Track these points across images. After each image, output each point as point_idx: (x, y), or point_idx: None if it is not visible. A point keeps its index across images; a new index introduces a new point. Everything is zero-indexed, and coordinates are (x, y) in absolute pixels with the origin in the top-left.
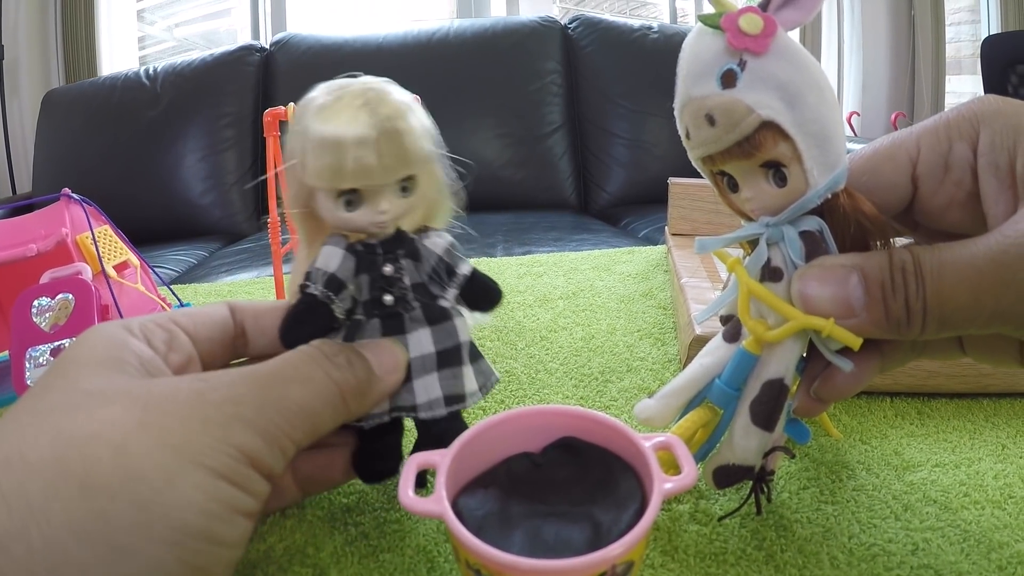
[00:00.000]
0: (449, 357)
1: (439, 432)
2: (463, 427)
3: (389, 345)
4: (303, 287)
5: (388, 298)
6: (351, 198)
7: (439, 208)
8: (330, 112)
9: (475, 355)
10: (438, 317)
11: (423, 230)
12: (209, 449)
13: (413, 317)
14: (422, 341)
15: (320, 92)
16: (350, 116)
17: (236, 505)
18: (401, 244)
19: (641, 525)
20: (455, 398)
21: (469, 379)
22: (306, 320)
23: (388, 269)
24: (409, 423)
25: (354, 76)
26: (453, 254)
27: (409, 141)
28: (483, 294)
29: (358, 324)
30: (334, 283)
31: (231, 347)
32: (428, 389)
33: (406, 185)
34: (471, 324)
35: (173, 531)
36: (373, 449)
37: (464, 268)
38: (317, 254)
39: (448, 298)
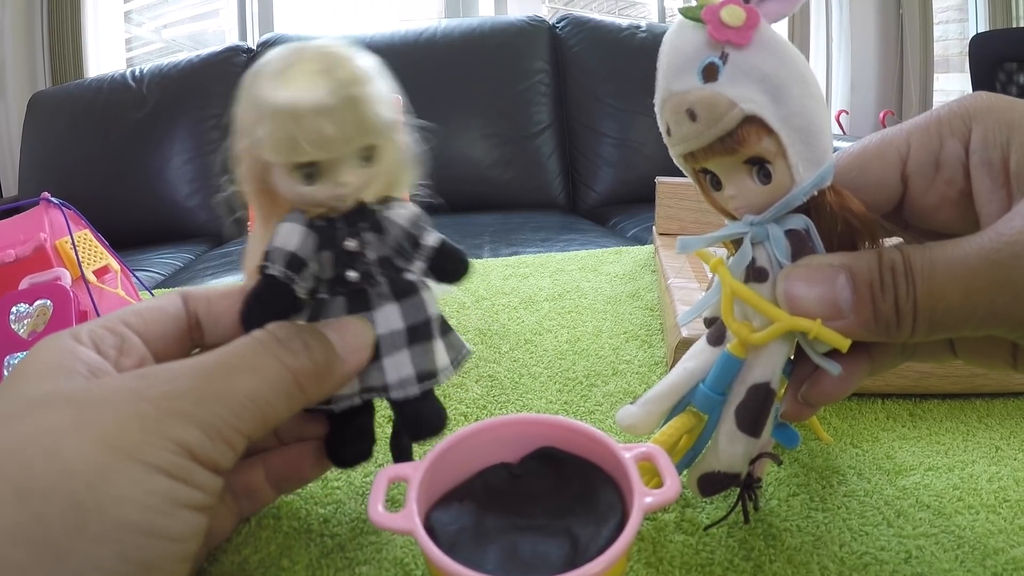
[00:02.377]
0: (419, 332)
1: (413, 413)
2: (436, 406)
3: (354, 323)
4: (262, 267)
5: (352, 274)
6: (310, 171)
7: (401, 177)
8: (284, 78)
9: (445, 328)
10: (405, 291)
11: (386, 200)
12: (146, 445)
13: (379, 292)
14: (390, 317)
15: (273, 56)
16: (306, 83)
17: (178, 498)
18: (364, 217)
19: (621, 541)
20: (427, 375)
21: (440, 354)
22: (267, 302)
23: (351, 244)
24: (382, 404)
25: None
26: (418, 225)
27: (370, 109)
28: (451, 265)
29: (322, 302)
30: (295, 262)
31: (187, 339)
32: (399, 367)
33: (367, 155)
34: (439, 295)
35: (110, 527)
36: (344, 433)
37: (430, 239)
38: (275, 232)
39: (415, 271)
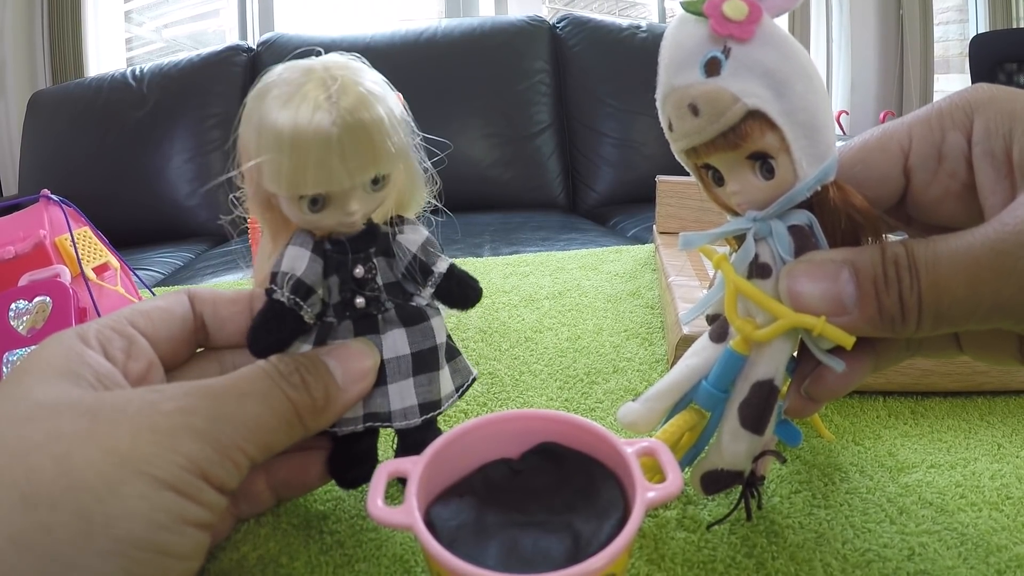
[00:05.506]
0: (425, 360)
1: (414, 443)
2: (438, 435)
3: (358, 351)
4: (269, 291)
5: (360, 301)
6: (316, 199)
7: (412, 197)
8: (289, 105)
9: (452, 353)
10: (414, 318)
11: (397, 221)
12: (156, 458)
13: (387, 318)
14: (397, 343)
15: (279, 78)
16: (311, 110)
17: (184, 515)
18: (373, 241)
19: (623, 536)
20: (430, 405)
21: (446, 382)
22: (274, 328)
23: (359, 271)
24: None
25: (317, 54)
26: (429, 251)
27: (377, 137)
28: (460, 293)
29: (329, 326)
30: (301, 288)
31: (192, 340)
32: (403, 396)
33: (377, 178)
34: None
35: (116, 542)
36: (348, 454)
37: (441, 266)
38: (282, 253)
39: (424, 296)
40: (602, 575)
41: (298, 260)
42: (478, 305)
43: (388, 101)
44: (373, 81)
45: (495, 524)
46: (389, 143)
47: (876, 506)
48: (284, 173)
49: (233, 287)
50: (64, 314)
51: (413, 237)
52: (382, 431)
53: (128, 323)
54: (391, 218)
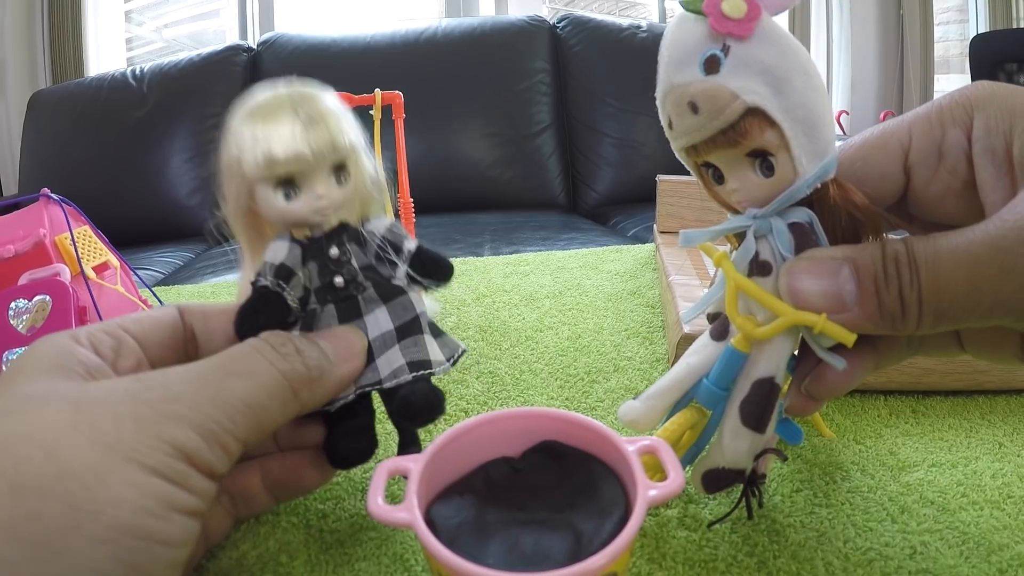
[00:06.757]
0: (408, 329)
1: (406, 393)
2: (430, 387)
3: (346, 333)
4: (254, 282)
5: (339, 280)
6: (288, 189)
7: (374, 201)
8: (258, 112)
9: (437, 331)
10: (392, 293)
11: (363, 221)
12: (142, 446)
13: (367, 298)
14: (380, 320)
15: (250, 99)
16: (278, 114)
17: (173, 502)
18: (345, 232)
19: (624, 534)
20: (419, 364)
21: (433, 348)
22: (260, 311)
23: (334, 251)
24: (382, 415)
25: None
26: (395, 232)
27: (335, 130)
28: (433, 266)
29: (314, 313)
30: (283, 272)
31: (182, 351)
32: (391, 361)
33: (339, 174)
34: (430, 305)
35: (106, 529)
36: (341, 431)
37: (409, 244)
38: (264, 253)
39: (399, 276)
40: (603, 574)
41: (279, 250)
42: (478, 304)
43: (343, 110)
44: (332, 100)
45: (496, 522)
46: (346, 135)
47: (877, 505)
48: (260, 158)
49: (231, 287)
50: (64, 313)
51: (378, 223)
52: (382, 434)
53: (119, 327)
54: (360, 219)
